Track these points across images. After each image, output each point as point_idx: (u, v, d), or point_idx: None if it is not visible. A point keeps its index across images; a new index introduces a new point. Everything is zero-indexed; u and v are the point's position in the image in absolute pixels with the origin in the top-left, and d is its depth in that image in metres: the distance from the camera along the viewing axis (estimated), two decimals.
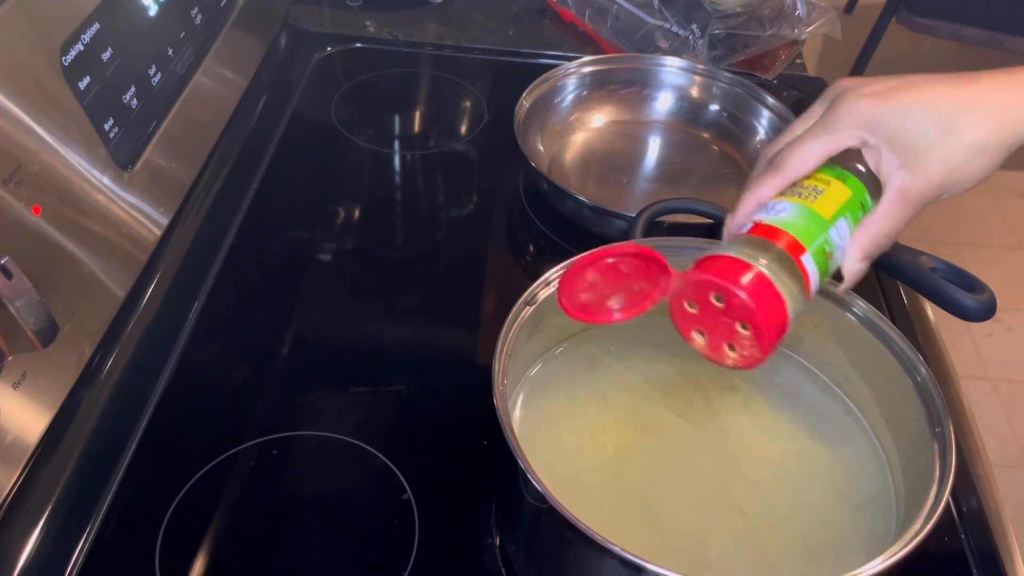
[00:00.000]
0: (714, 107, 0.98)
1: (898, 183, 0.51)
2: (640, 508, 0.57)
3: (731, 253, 0.50)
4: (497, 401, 0.52)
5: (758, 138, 0.95)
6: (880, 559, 0.48)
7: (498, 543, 0.60)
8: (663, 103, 1.00)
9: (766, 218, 0.52)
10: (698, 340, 0.52)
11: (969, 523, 0.64)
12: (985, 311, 0.60)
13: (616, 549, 0.46)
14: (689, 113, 0.99)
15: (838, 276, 0.55)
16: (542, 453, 0.60)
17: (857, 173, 0.53)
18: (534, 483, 0.49)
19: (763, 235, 0.51)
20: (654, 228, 0.72)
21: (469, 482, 0.64)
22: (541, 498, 0.49)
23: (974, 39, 2.07)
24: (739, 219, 0.53)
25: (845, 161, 0.53)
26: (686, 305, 0.51)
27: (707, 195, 0.86)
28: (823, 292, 0.63)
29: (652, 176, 0.96)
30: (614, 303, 0.54)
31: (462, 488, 0.64)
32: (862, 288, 0.59)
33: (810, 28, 1.07)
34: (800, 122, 0.54)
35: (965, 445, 0.69)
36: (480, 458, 0.65)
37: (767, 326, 0.48)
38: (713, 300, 0.49)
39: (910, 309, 0.80)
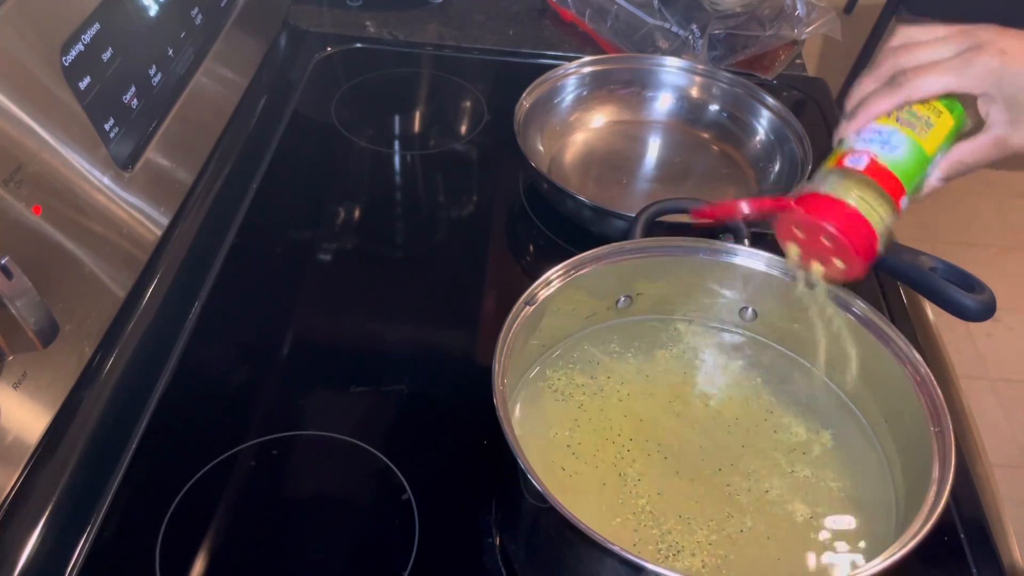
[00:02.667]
0: (714, 107, 0.98)
1: (1000, 132, 0.56)
2: (640, 508, 0.57)
3: (846, 199, 0.55)
4: (497, 401, 0.53)
5: (758, 138, 0.95)
6: (880, 559, 0.48)
7: (498, 543, 0.60)
8: (663, 103, 1.00)
9: (881, 155, 0.56)
10: (792, 251, 0.60)
11: (969, 523, 0.64)
12: (985, 311, 0.60)
13: (616, 549, 0.46)
14: (689, 113, 0.99)
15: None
16: (542, 453, 0.60)
17: (965, 106, 0.58)
18: (534, 483, 0.49)
19: (876, 177, 0.56)
20: (654, 228, 0.72)
21: (469, 482, 0.64)
22: (541, 498, 0.49)
23: None
24: (855, 125, 0.58)
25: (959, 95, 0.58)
26: (793, 227, 0.58)
27: (707, 195, 0.86)
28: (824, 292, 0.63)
29: (652, 176, 0.96)
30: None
31: (462, 488, 0.64)
32: (862, 288, 0.59)
33: (810, 28, 1.07)
34: (932, 46, 0.57)
35: (965, 445, 0.69)
36: (480, 458, 0.65)
37: (862, 261, 0.56)
38: (822, 237, 0.56)
39: (910, 309, 0.80)
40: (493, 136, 0.98)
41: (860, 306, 0.62)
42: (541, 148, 0.92)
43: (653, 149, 0.99)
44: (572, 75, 0.96)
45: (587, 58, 0.98)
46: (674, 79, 0.99)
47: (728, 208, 0.62)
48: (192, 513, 0.60)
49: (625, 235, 0.70)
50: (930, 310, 0.80)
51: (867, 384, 0.63)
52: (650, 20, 1.08)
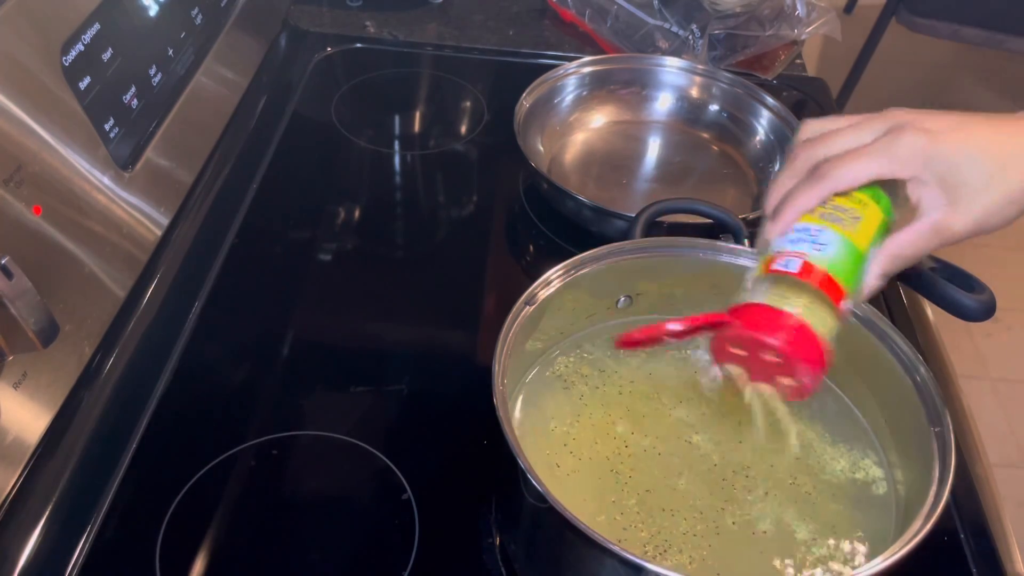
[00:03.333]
0: (714, 107, 0.98)
1: (938, 217, 0.52)
2: (640, 508, 0.57)
3: (783, 307, 0.51)
4: (497, 401, 0.53)
5: (758, 138, 0.95)
6: (880, 559, 0.48)
7: (498, 543, 0.60)
8: (663, 103, 1.00)
9: (812, 256, 0.51)
10: (733, 371, 0.54)
11: (969, 523, 0.64)
12: (985, 311, 0.60)
13: (616, 549, 0.46)
14: (689, 113, 0.99)
15: None
16: (542, 453, 0.60)
17: (892, 196, 0.54)
18: (534, 483, 0.49)
19: (811, 280, 0.51)
20: (654, 228, 0.72)
21: (469, 482, 0.64)
22: (541, 498, 0.49)
23: (973, 39, 2.07)
24: (781, 226, 0.54)
25: (883, 184, 0.54)
26: (729, 346, 0.53)
27: (707, 195, 0.86)
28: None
29: (652, 176, 0.96)
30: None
31: (462, 488, 0.64)
32: None
33: (810, 28, 1.07)
34: (847, 133, 0.54)
35: (965, 445, 0.69)
36: (480, 458, 0.65)
37: (813, 376, 0.51)
38: (764, 353, 0.51)
39: (910, 309, 0.80)
40: (493, 136, 0.98)
41: (860, 306, 0.62)
42: (541, 148, 0.92)
43: (653, 149, 0.99)
44: (572, 75, 0.96)
45: (587, 58, 0.98)
46: (674, 79, 0.99)
47: (654, 331, 0.55)
48: (192, 513, 0.60)
49: (625, 235, 0.70)
50: (930, 310, 0.80)
51: (867, 384, 0.63)
52: (650, 20, 1.08)
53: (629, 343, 0.57)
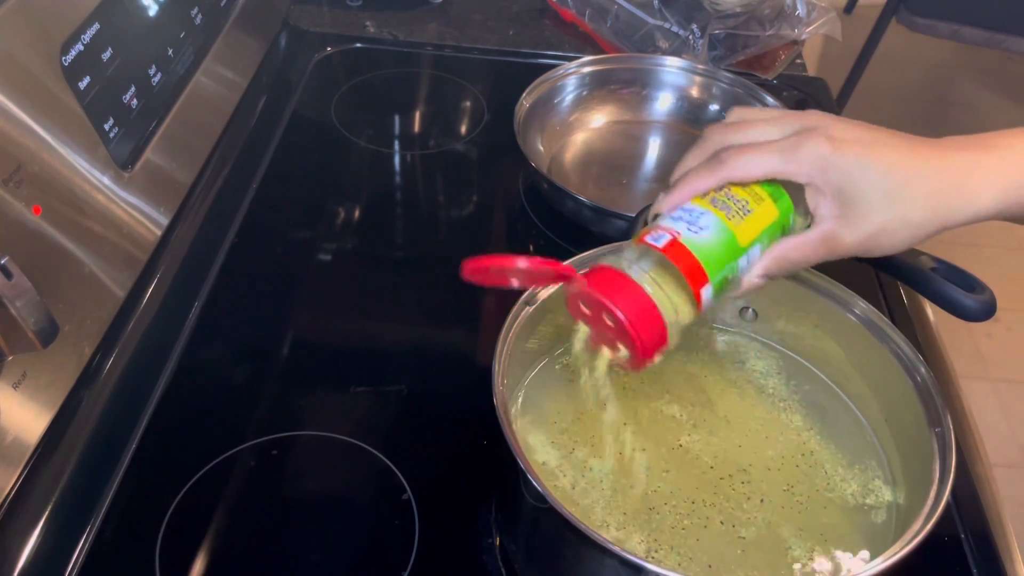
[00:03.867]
0: (714, 107, 0.98)
1: (829, 227, 0.52)
2: (640, 508, 0.57)
3: (627, 272, 0.50)
4: (497, 401, 0.52)
5: None
6: (880, 559, 0.48)
7: (498, 543, 0.60)
8: (663, 103, 1.00)
9: (684, 236, 0.51)
10: (583, 329, 0.54)
11: (969, 523, 0.64)
12: (985, 311, 0.59)
13: (616, 549, 0.46)
14: (689, 113, 0.99)
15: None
16: (542, 453, 0.60)
17: (793, 198, 0.53)
18: (534, 483, 0.49)
19: (673, 258, 0.50)
20: None
21: (469, 482, 0.64)
22: (541, 498, 0.49)
23: (973, 39, 2.07)
24: (669, 202, 0.53)
25: (786, 185, 0.53)
26: (580, 304, 0.52)
27: None
28: (824, 292, 0.63)
29: (652, 176, 0.96)
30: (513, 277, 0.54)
31: (462, 488, 0.64)
32: (862, 288, 0.59)
33: (810, 28, 1.07)
34: (761, 125, 0.53)
35: (965, 445, 0.69)
36: (480, 458, 0.65)
37: (644, 348, 0.50)
38: (604, 317, 0.50)
39: (910, 309, 0.80)
40: (493, 136, 0.98)
41: (860, 306, 0.62)
42: (541, 148, 0.92)
43: (653, 149, 0.99)
44: (572, 75, 0.96)
45: (587, 58, 0.98)
46: (674, 79, 0.99)
47: (505, 262, 0.52)
48: (192, 513, 0.60)
49: (625, 235, 0.70)
50: (930, 310, 0.80)
51: (867, 384, 0.63)
52: (650, 20, 1.08)
53: (476, 271, 0.52)
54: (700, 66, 0.98)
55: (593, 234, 0.82)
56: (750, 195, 0.52)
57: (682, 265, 0.50)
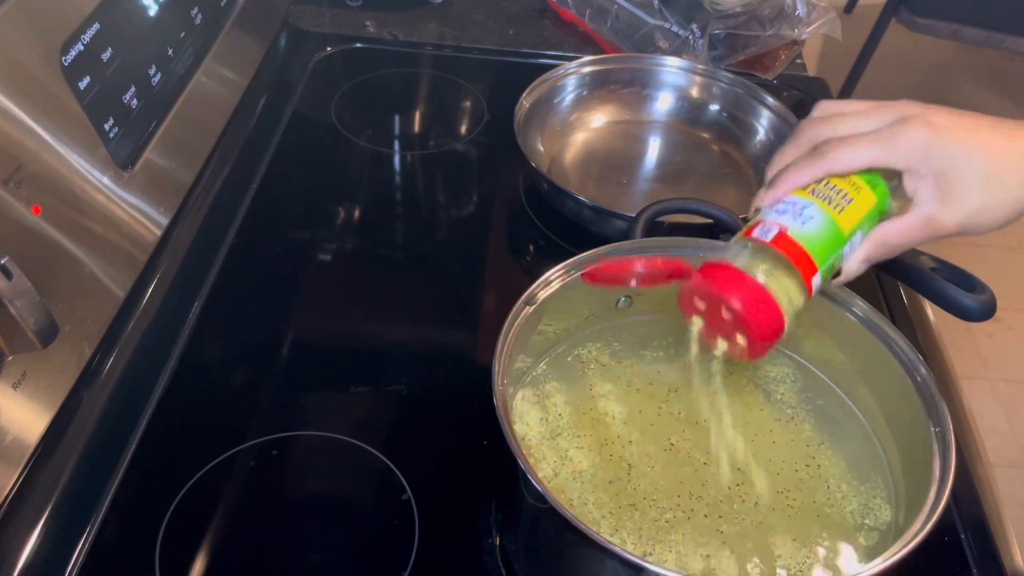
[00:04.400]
0: (714, 107, 0.98)
1: (929, 211, 0.53)
2: (640, 508, 0.57)
3: (746, 270, 0.52)
4: (497, 401, 0.52)
5: (758, 138, 0.95)
6: (880, 559, 0.48)
7: (498, 543, 0.60)
8: (663, 103, 1.00)
9: (792, 228, 0.53)
10: (696, 323, 0.56)
11: (969, 523, 0.64)
12: (985, 311, 0.60)
13: (616, 549, 0.46)
14: (689, 113, 0.99)
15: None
16: (542, 453, 0.60)
17: (889, 184, 0.54)
18: (534, 483, 0.49)
19: (783, 250, 0.52)
20: (654, 228, 0.72)
21: (469, 482, 0.64)
22: (541, 498, 0.49)
23: (973, 39, 2.07)
24: (772, 196, 0.55)
25: (883, 171, 0.54)
26: (695, 299, 0.54)
27: (707, 195, 0.86)
28: (823, 292, 0.63)
29: (652, 176, 0.96)
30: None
31: (462, 488, 0.64)
32: (862, 288, 0.59)
33: (810, 28, 1.07)
34: (854, 117, 0.55)
35: (965, 445, 0.69)
36: (480, 458, 0.65)
37: (764, 338, 0.52)
38: (723, 311, 0.53)
39: (910, 309, 0.80)
40: (493, 136, 0.98)
41: (860, 306, 0.62)
42: (541, 148, 0.92)
43: (653, 149, 0.99)
44: (572, 75, 0.96)
45: (587, 58, 0.98)
46: (674, 79, 0.99)
47: (622, 267, 0.57)
48: (192, 513, 0.60)
49: (625, 235, 0.70)
50: (930, 310, 0.80)
51: (867, 384, 0.63)
52: (650, 20, 1.08)
53: (595, 277, 0.59)
54: (700, 66, 0.98)
55: (593, 234, 0.82)
56: (849, 185, 0.53)
57: (792, 256, 0.52)
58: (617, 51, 1.08)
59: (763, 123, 0.95)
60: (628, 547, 0.55)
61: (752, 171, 0.94)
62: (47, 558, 0.57)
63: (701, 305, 0.54)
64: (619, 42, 1.09)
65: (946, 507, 0.50)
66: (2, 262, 0.49)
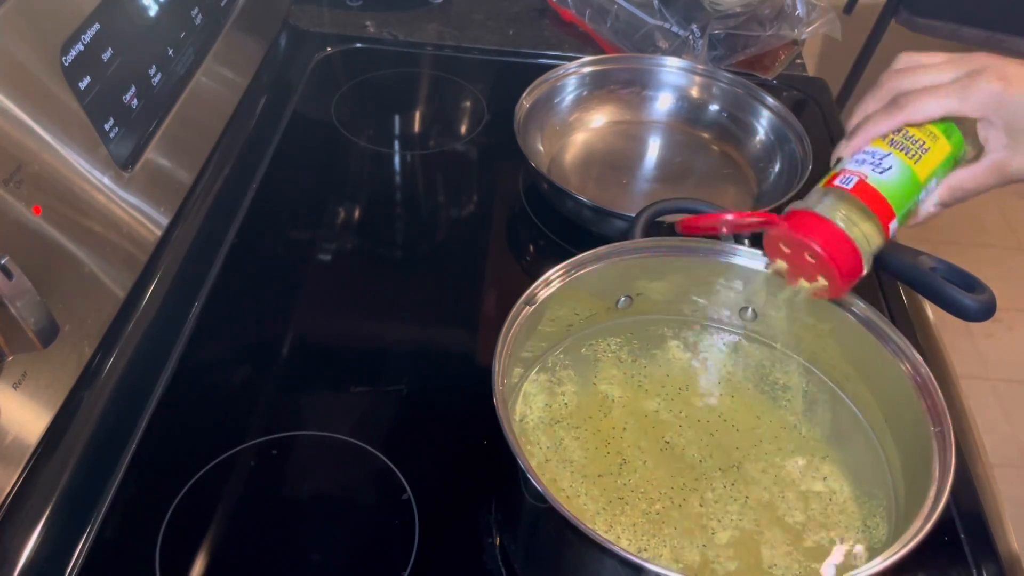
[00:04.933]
0: (714, 107, 0.98)
1: (1000, 156, 0.56)
2: (640, 507, 0.57)
3: (829, 217, 0.56)
4: (497, 401, 0.52)
5: (758, 138, 0.95)
6: (880, 559, 0.48)
7: (498, 543, 0.60)
8: (663, 103, 1.00)
9: (871, 177, 0.56)
10: (781, 266, 0.60)
11: (969, 523, 0.64)
12: (985, 311, 0.59)
13: (616, 549, 0.46)
14: (689, 113, 0.99)
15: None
16: (542, 453, 0.60)
17: (964, 132, 0.57)
18: (534, 483, 0.49)
19: (861, 195, 0.56)
20: (654, 228, 0.72)
21: (469, 482, 0.64)
22: (541, 498, 0.49)
23: (973, 39, 2.07)
24: (852, 147, 0.58)
25: (958, 121, 0.57)
26: (780, 244, 0.59)
27: (707, 195, 0.86)
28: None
29: (652, 176, 0.96)
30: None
31: (462, 488, 0.64)
32: (862, 288, 0.59)
33: (810, 28, 1.07)
34: (932, 70, 0.57)
35: (965, 445, 0.69)
36: (480, 458, 0.65)
37: (844, 280, 0.56)
38: (807, 255, 0.56)
39: (910, 309, 0.80)
40: (493, 136, 0.98)
41: (860, 306, 0.62)
42: (541, 148, 0.92)
43: (653, 149, 0.99)
44: (572, 75, 0.96)
45: (587, 58, 0.98)
46: (674, 79, 0.99)
47: (714, 219, 0.63)
48: (192, 513, 0.60)
49: (625, 235, 0.70)
50: (930, 310, 0.80)
51: (867, 384, 0.63)
52: (650, 20, 1.08)
53: (690, 227, 0.64)
54: (700, 66, 0.98)
55: (593, 234, 0.82)
56: (925, 134, 0.57)
57: (871, 203, 0.55)
58: (617, 51, 1.08)
59: (763, 123, 0.95)
60: (623, 543, 0.55)
61: (752, 171, 0.94)
62: (47, 558, 0.57)
63: (786, 250, 0.58)
64: (619, 42, 1.09)
65: (946, 507, 0.50)
66: (2, 262, 0.49)
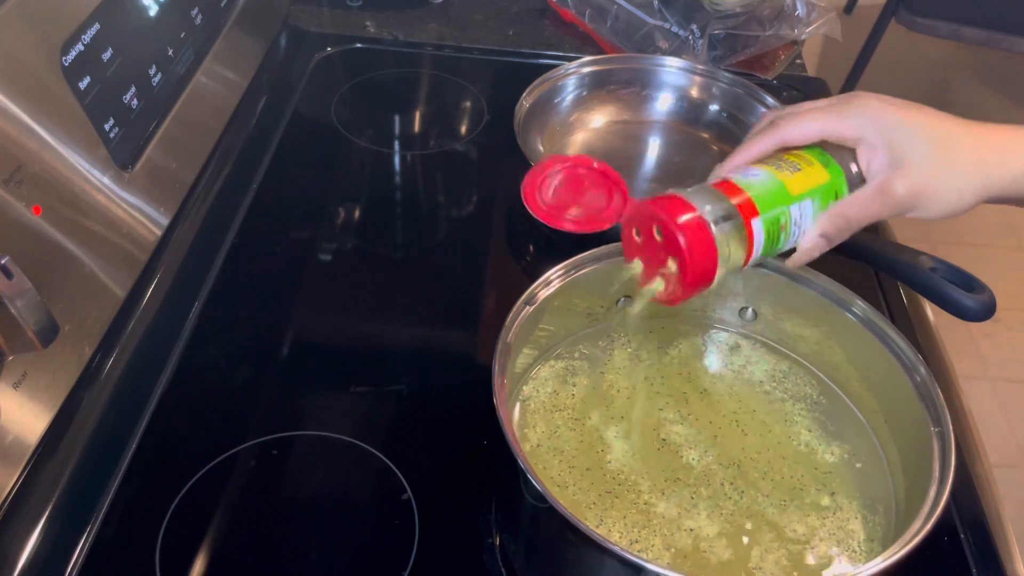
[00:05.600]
0: (714, 107, 0.98)
1: (882, 179, 0.54)
2: (640, 507, 0.57)
3: (684, 196, 0.54)
4: (497, 401, 0.53)
5: None
6: (880, 559, 0.48)
7: (498, 543, 0.60)
8: (663, 103, 1.00)
9: (735, 177, 0.55)
10: (636, 267, 0.57)
11: (969, 523, 0.64)
12: (985, 311, 0.60)
13: (616, 549, 0.46)
14: (689, 113, 0.99)
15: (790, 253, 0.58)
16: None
17: (843, 166, 0.56)
18: (534, 483, 0.49)
19: (724, 190, 0.54)
20: None
21: (469, 482, 0.64)
22: (541, 498, 0.49)
23: (973, 39, 2.07)
24: (725, 168, 0.58)
25: (837, 154, 0.56)
26: (634, 233, 0.56)
27: None
28: (823, 292, 0.63)
29: (652, 176, 0.96)
30: (572, 213, 0.61)
31: (462, 488, 0.64)
32: (862, 288, 0.59)
33: (810, 28, 1.07)
34: (810, 103, 0.58)
35: (965, 445, 0.69)
36: (480, 458, 0.65)
37: (693, 267, 0.52)
38: (655, 233, 0.53)
39: (910, 309, 0.80)
40: (493, 136, 0.98)
41: (860, 306, 0.62)
42: (541, 148, 0.92)
43: (653, 149, 0.99)
44: (572, 75, 0.96)
45: (587, 58, 0.98)
46: (674, 79, 0.99)
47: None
48: (192, 513, 0.61)
49: None
50: (930, 310, 0.80)
51: (867, 384, 0.63)
52: (650, 20, 1.08)
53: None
54: (700, 66, 0.98)
55: (593, 234, 0.81)
56: (799, 159, 0.56)
57: (733, 196, 0.54)
58: (617, 51, 1.08)
59: None
60: (615, 536, 0.55)
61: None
62: (47, 558, 0.57)
63: (639, 239, 0.55)
64: (619, 42, 1.09)
65: (946, 507, 0.50)
66: (2, 262, 0.49)
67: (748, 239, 0.54)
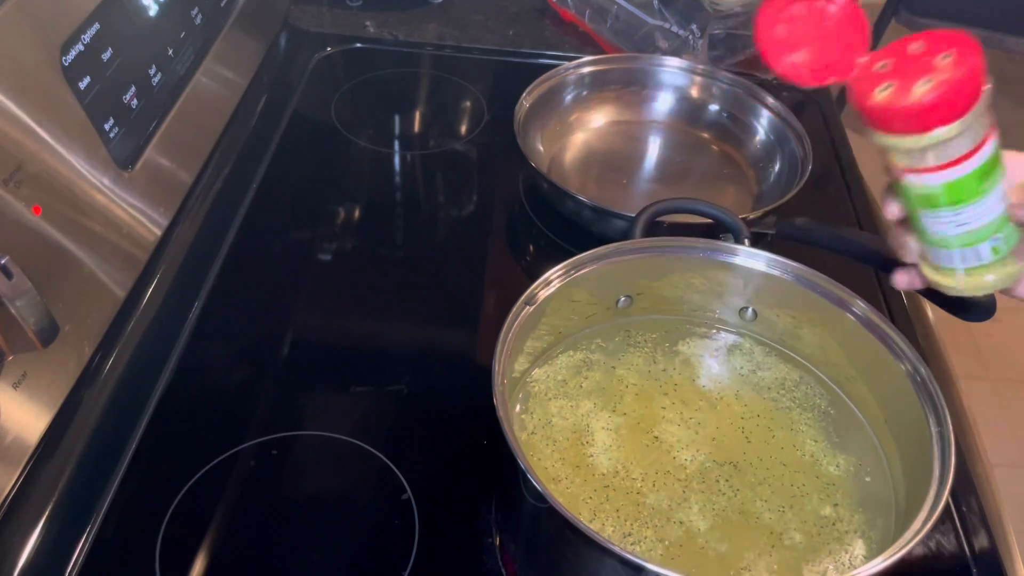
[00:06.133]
0: (714, 107, 0.98)
1: None
2: (640, 507, 0.57)
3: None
4: (497, 401, 0.53)
5: (758, 138, 0.95)
6: (880, 559, 0.48)
7: (498, 543, 0.60)
8: (663, 103, 1.00)
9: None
10: (879, 97, 0.50)
11: (969, 523, 0.64)
12: (985, 311, 0.60)
13: (616, 549, 0.46)
14: (689, 113, 0.99)
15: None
16: (542, 453, 0.60)
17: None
18: (534, 483, 0.49)
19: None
20: (654, 228, 0.72)
21: (469, 482, 0.64)
22: (541, 498, 0.49)
23: None
24: None
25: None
26: (876, 67, 0.51)
27: (707, 195, 0.86)
28: (824, 292, 0.63)
29: (652, 176, 0.96)
30: (800, 57, 0.52)
31: (462, 488, 0.64)
32: (862, 288, 0.59)
33: None
34: None
35: (965, 445, 0.69)
36: (480, 458, 0.65)
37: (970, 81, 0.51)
38: (912, 48, 0.51)
39: (910, 309, 0.80)
40: (493, 136, 0.98)
41: (860, 306, 0.62)
42: (541, 148, 0.92)
43: (653, 149, 0.99)
44: (572, 75, 0.96)
45: (587, 58, 0.98)
46: (674, 79, 0.99)
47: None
48: (192, 513, 0.61)
49: (625, 235, 0.70)
50: (930, 310, 0.80)
51: (867, 384, 0.63)
52: (650, 20, 1.08)
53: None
54: (700, 66, 0.98)
55: (593, 234, 0.82)
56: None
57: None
58: (617, 51, 1.08)
59: (763, 123, 0.95)
60: (608, 531, 0.55)
61: (752, 171, 0.94)
62: (47, 558, 0.57)
63: (885, 69, 0.51)
64: (619, 42, 1.09)
65: (946, 507, 0.50)
66: (2, 262, 0.49)
67: (982, 140, 0.53)
